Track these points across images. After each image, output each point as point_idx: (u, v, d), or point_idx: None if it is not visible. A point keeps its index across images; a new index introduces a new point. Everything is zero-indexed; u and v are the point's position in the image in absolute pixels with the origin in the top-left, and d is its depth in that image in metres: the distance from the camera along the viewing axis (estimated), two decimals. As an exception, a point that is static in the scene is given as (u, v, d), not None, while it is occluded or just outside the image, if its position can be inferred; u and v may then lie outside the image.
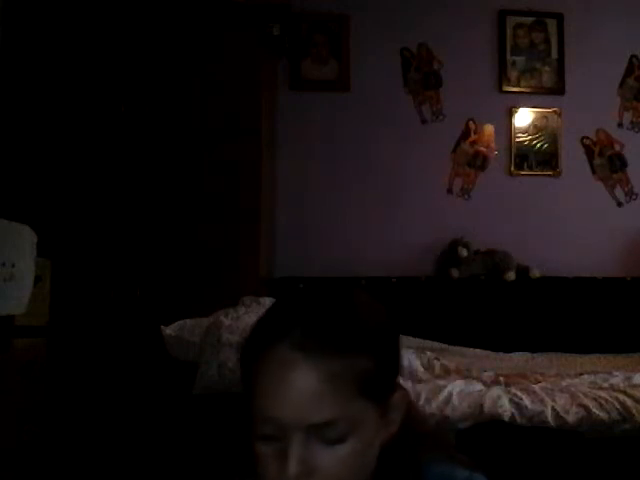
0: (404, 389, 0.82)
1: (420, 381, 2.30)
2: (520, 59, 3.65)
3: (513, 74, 3.64)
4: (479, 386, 2.24)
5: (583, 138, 3.64)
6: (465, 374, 2.49)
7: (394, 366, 0.80)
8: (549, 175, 3.63)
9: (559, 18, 3.65)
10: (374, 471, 0.77)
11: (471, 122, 3.61)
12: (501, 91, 3.63)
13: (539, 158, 3.63)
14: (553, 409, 2.02)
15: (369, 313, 0.79)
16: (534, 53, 3.65)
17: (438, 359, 2.67)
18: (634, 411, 2.01)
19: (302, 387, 0.70)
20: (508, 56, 3.64)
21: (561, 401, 2.06)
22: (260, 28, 3.05)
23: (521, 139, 3.63)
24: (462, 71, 3.60)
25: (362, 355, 0.73)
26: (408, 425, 0.82)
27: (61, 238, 2.78)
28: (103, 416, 2.63)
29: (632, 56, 3.68)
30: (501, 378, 2.43)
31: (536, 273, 3.39)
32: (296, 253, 3.45)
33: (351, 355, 0.72)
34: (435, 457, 0.82)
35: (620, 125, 3.67)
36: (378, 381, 0.75)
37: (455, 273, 3.36)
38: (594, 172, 3.65)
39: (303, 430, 0.70)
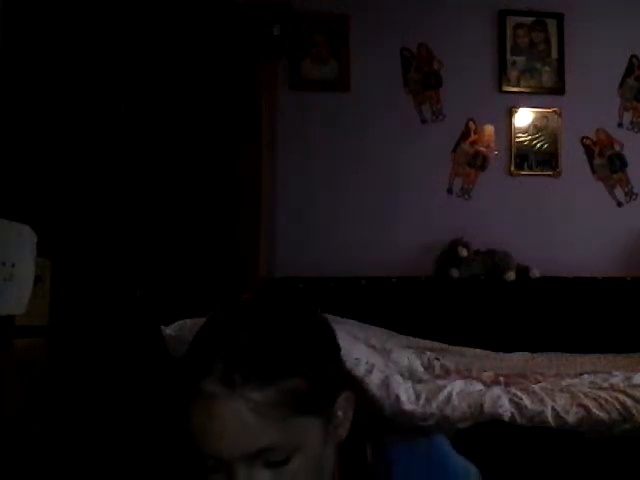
0: (348, 391, 0.81)
1: (420, 381, 2.31)
2: (520, 59, 3.65)
3: (513, 74, 3.64)
4: (479, 386, 2.24)
5: (583, 138, 3.64)
6: (465, 374, 2.50)
7: (332, 375, 0.79)
8: (549, 175, 3.63)
9: (559, 18, 3.64)
10: (335, 467, 0.80)
11: (471, 122, 3.61)
12: (501, 91, 3.63)
13: (539, 158, 3.63)
14: (553, 409, 2.02)
15: (297, 332, 0.77)
16: (534, 53, 3.65)
17: (438, 359, 2.68)
18: (634, 411, 2.01)
19: (231, 421, 0.70)
20: (508, 56, 3.64)
21: (561, 401, 2.07)
22: (260, 28, 3.04)
23: (521, 139, 3.63)
24: (462, 71, 3.60)
25: (292, 378, 0.73)
26: (363, 414, 0.82)
27: (61, 238, 2.78)
28: (103, 416, 2.63)
29: (632, 56, 3.67)
30: (501, 378, 2.44)
31: (536, 273, 3.39)
32: (296, 253, 3.45)
33: (279, 381, 0.72)
34: (395, 438, 0.85)
35: (620, 125, 3.67)
36: (315, 397, 0.74)
37: (455, 273, 3.36)
38: (594, 172, 3.65)
39: (244, 460, 0.71)
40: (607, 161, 3.65)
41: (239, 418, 0.70)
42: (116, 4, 2.94)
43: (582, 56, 3.62)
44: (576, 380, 2.43)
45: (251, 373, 0.71)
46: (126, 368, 2.70)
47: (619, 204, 3.65)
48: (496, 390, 2.15)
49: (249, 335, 0.74)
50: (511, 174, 3.62)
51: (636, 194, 3.65)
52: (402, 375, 2.30)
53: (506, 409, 2.01)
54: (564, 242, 3.55)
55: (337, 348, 0.83)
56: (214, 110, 2.95)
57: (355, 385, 0.86)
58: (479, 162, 3.61)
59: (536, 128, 3.63)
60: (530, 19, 3.65)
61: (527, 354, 3.12)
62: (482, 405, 2.03)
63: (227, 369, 0.71)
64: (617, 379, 2.40)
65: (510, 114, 3.62)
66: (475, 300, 3.37)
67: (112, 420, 2.61)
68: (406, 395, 2.06)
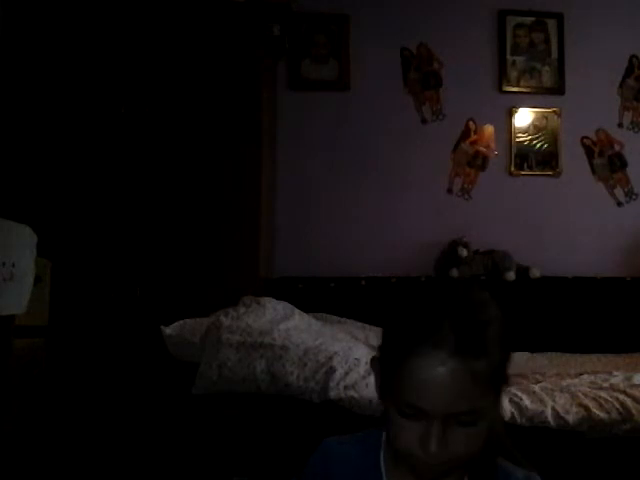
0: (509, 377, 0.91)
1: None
2: (520, 59, 3.65)
3: (513, 74, 3.64)
4: (479, 386, 2.23)
5: (583, 138, 3.64)
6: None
7: (509, 358, 0.89)
8: (549, 175, 3.63)
9: (559, 18, 3.64)
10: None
11: (471, 122, 3.61)
12: (501, 91, 3.63)
13: (539, 158, 3.63)
14: (553, 409, 2.02)
15: (497, 314, 0.90)
16: (534, 53, 3.65)
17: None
18: (634, 411, 2.00)
19: (450, 385, 0.80)
20: (508, 56, 3.64)
21: (561, 401, 2.06)
22: (260, 28, 3.05)
23: (521, 139, 3.63)
24: (462, 71, 3.60)
25: (496, 355, 0.84)
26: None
27: (61, 238, 2.78)
28: (103, 416, 2.63)
29: (632, 56, 3.68)
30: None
31: (536, 273, 3.39)
32: (296, 253, 3.45)
33: (490, 358, 0.83)
34: (503, 454, 0.95)
35: (620, 125, 3.67)
36: (502, 375, 0.87)
37: (455, 273, 3.36)
38: (594, 172, 3.65)
39: (444, 417, 0.81)
40: (607, 161, 3.65)
41: (458, 383, 0.80)
42: (116, 5, 2.94)
43: (582, 56, 3.62)
44: (576, 380, 2.42)
45: (475, 349, 0.81)
46: (126, 368, 2.70)
47: (619, 204, 3.65)
48: (496, 390, 2.15)
49: (472, 312, 0.85)
50: (511, 174, 3.62)
51: (636, 194, 3.65)
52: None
53: (506, 409, 2.01)
54: (564, 242, 3.55)
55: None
56: (214, 110, 2.95)
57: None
58: (479, 162, 3.61)
59: (536, 128, 3.63)
60: (530, 19, 3.65)
61: (527, 354, 3.11)
62: (482, 405, 2.02)
63: (456, 339, 0.81)
64: (617, 379, 2.39)
65: (510, 114, 3.62)
66: (475, 300, 3.36)
67: (112, 420, 2.61)
68: (406, 395, 2.06)
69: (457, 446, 0.82)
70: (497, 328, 0.86)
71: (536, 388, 2.19)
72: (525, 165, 3.63)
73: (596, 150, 3.65)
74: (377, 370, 0.90)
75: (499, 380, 0.86)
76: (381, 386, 0.89)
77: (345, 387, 2.06)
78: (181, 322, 2.33)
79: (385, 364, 0.87)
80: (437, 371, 0.80)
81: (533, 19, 3.65)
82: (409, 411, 0.82)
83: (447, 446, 0.82)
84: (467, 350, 0.81)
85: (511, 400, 2.06)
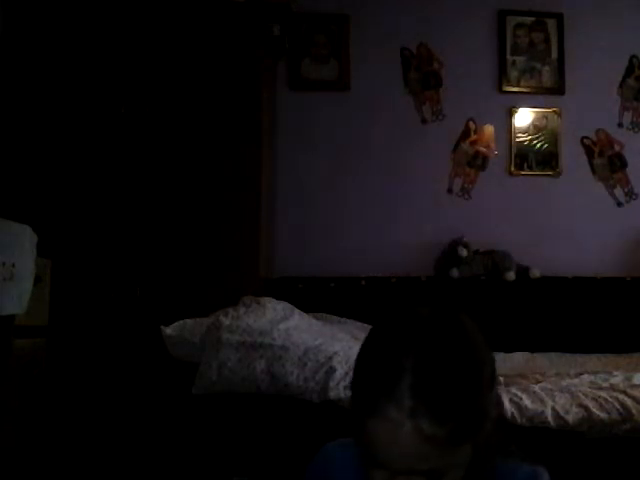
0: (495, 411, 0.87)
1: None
2: (520, 59, 3.65)
3: (513, 74, 3.64)
4: (479, 386, 2.23)
5: (583, 138, 3.64)
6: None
7: (492, 403, 0.85)
8: (549, 175, 3.63)
9: (559, 18, 3.64)
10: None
11: (471, 122, 3.61)
12: (501, 91, 3.63)
13: (539, 158, 3.63)
14: (553, 409, 2.02)
15: (471, 359, 0.83)
16: (534, 53, 3.65)
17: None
18: (634, 411, 2.00)
19: (406, 446, 0.77)
20: (508, 56, 3.64)
21: (561, 401, 2.06)
22: (260, 28, 3.05)
23: (521, 139, 3.63)
24: (462, 71, 3.60)
25: (466, 417, 0.79)
26: (496, 434, 0.88)
27: (61, 238, 2.78)
28: (103, 416, 2.63)
29: (632, 56, 3.67)
30: (501, 378, 2.43)
31: (536, 273, 3.39)
32: (296, 253, 3.45)
33: (454, 420, 0.77)
34: (502, 453, 0.91)
35: (620, 125, 3.67)
36: (478, 428, 0.81)
37: (455, 273, 3.36)
38: (594, 172, 3.65)
39: (405, 471, 0.79)
40: (607, 161, 3.65)
41: (414, 445, 0.77)
42: (116, 5, 2.94)
43: (582, 56, 3.62)
44: (576, 380, 2.42)
45: (433, 410, 0.77)
46: (126, 368, 2.70)
47: (619, 204, 3.65)
48: (496, 390, 2.14)
49: (435, 369, 0.79)
50: (511, 174, 3.62)
51: (636, 194, 3.65)
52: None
53: (506, 409, 2.01)
54: (564, 242, 3.55)
55: (493, 367, 0.87)
56: (214, 110, 2.95)
57: (498, 403, 0.92)
58: (479, 162, 3.61)
59: (536, 128, 3.63)
60: (530, 19, 3.65)
61: (527, 354, 3.11)
62: (482, 405, 2.02)
63: (414, 401, 0.77)
64: (617, 379, 2.40)
65: (510, 114, 3.62)
66: (475, 300, 3.37)
67: (112, 420, 2.61)
68: (406, 395, 2.05)
69: None
70: (467, 382, 0.80)
71: (536, 388, 2.19)
72: (525, 165, 3.63)
73: (596, 150, 3.65)
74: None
75: (476, 433, 0.81)
76: (352, 423, 0.86)
77: (345, 387, 2.05)
78: (181, 322, 2.33)
79: (352, 408, 0.84)
80: (395, 434, 0.77)
81: (533, 19, 3.65)
82: (375, 464, 0.81)
83: None
84: (425, 414, 0.76)
85: (511, 400, 2.05)
